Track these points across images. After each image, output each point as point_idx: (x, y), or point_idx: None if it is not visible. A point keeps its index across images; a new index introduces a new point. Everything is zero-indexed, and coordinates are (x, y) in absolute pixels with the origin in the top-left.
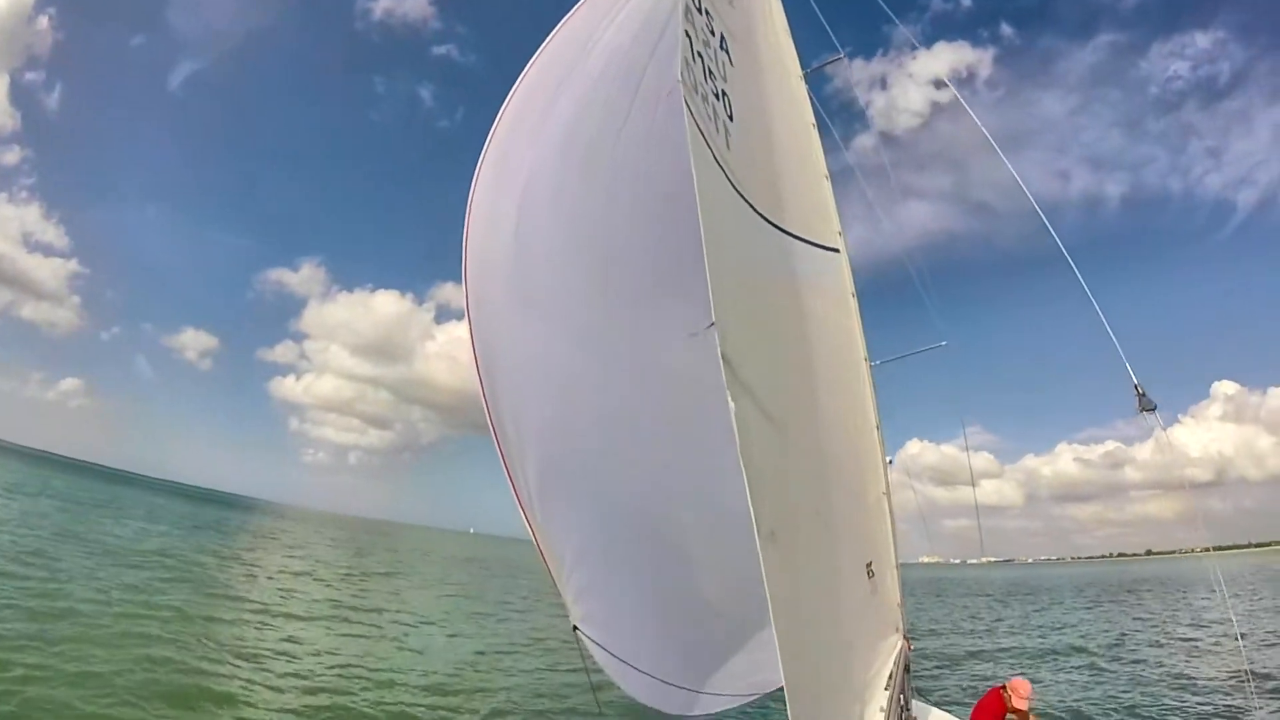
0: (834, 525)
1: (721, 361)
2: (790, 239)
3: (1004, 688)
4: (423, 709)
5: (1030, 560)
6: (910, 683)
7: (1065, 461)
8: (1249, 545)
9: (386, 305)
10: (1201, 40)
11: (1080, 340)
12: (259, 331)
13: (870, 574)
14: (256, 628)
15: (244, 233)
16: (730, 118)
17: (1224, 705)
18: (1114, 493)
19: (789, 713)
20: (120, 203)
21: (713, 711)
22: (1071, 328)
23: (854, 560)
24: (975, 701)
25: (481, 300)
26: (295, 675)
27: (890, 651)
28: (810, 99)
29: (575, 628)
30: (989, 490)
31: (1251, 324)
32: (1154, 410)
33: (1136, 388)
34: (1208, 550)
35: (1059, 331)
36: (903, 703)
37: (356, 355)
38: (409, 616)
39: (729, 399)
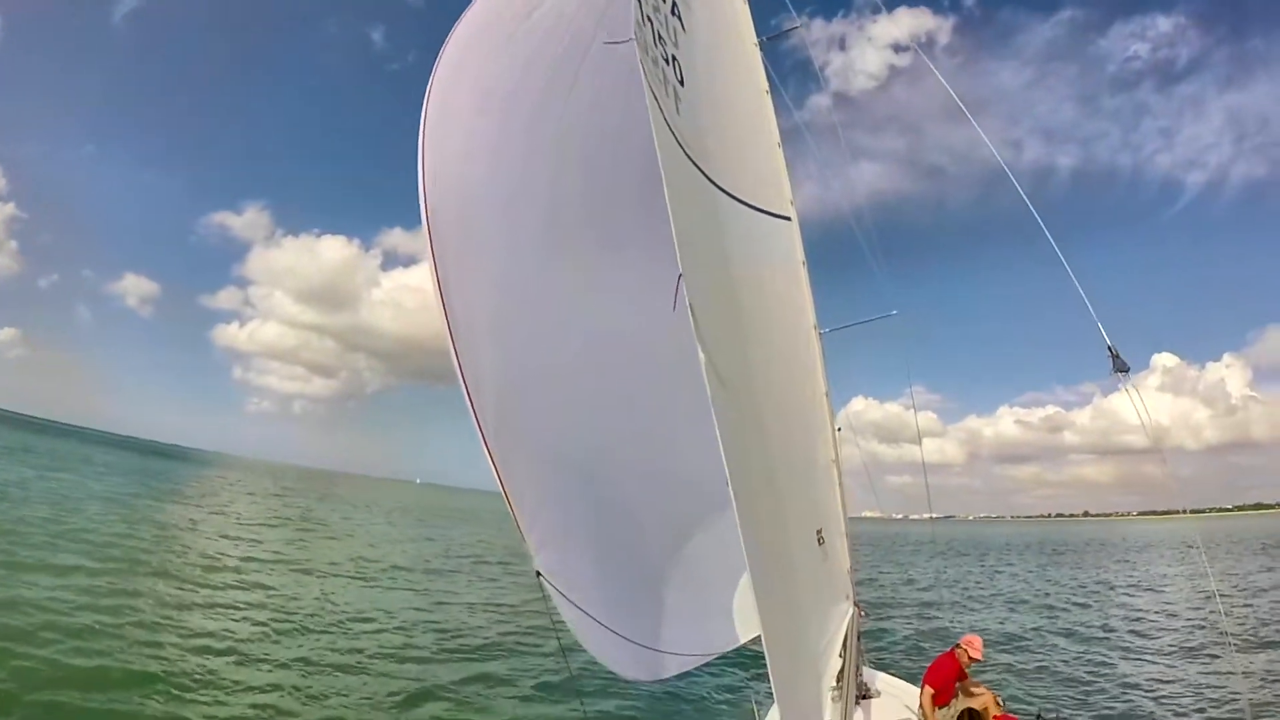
0: (784, 492)
1: (690, 311)
2: (741, 206)
3: (957, 647)
4: (390, 658)
5: (970, 518)
6: (863, 649)
7: (1006, 423)
8: (1184, 512)
9: (332, 251)
10: (1163, 24)
11: (1025, 307)
12: (201, 277)
13: (820, 541)
14: (203, 584)
15: (187, 175)
16: (681, 82)
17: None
18: (1053, 455)
19: (770, 672)
20: (59, 143)
21: (666, 676)
22: (1018, 294)
23: (804, 527)
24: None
25: (442, 247)
26: (232, 634)
27: (842, 619)
28: (765, 66)
29: (538, 573)
30: (932, 448)
31: (1193, 301)
32: (1127, 371)
33: (1110, 348)
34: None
35: (1005, 297)
36: (856, 670)
37: (301, 302)
38: (364, 568)
39: (699, 349)
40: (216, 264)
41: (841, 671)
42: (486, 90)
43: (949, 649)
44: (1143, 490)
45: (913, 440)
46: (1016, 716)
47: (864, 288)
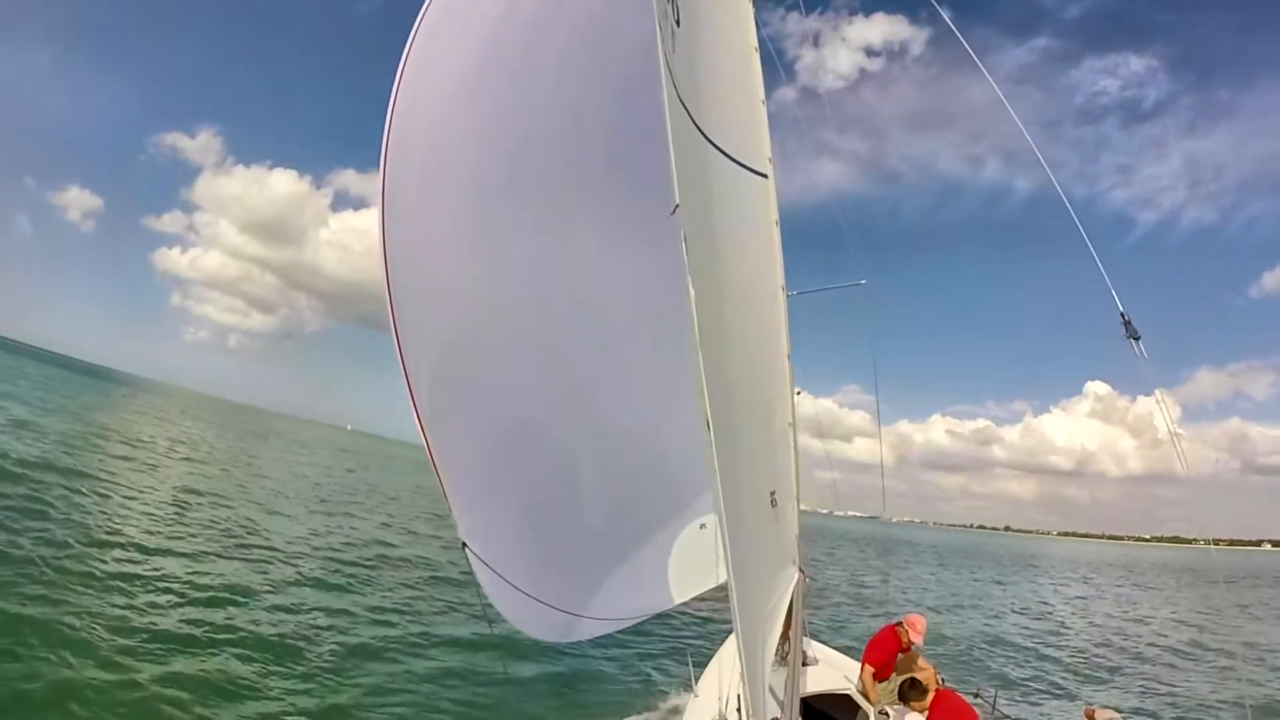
0: (743, 450)
1: (683, 244)
2: (722, 156)
3: (900, 624)
4: (305, 616)
5: (895, 520)
6: (805, 617)
7: (938, 431)
8: (1102, 535)
9: (283, 185)
10: (1135, 63)
11: (966, 321)
12: (148, 197)
13: (774, 503)
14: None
15: (144, 90)
16: (677, 23)
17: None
18: (980, 467)
19: (738, 628)
20: (16, 46)
21: (591, 636)
22: (960, 307)
23: (758, 486)
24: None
25: (395, 189)
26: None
27: (788, 584)
28: (755, 21)
29: (464, 545)
30: (862, 448)
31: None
32: (1139, 340)
33: (1122, 315)
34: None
35: (947, 309)
36: (799, 637)
37: (246, 233)
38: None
39: (689, 284)
40: (164, 186)
41: (784, 637)
42: (470, 33)
43: (889, 625)
44: (1063, 511)
45: (843, 438)
46: (956, 690)
47: (832, 267)
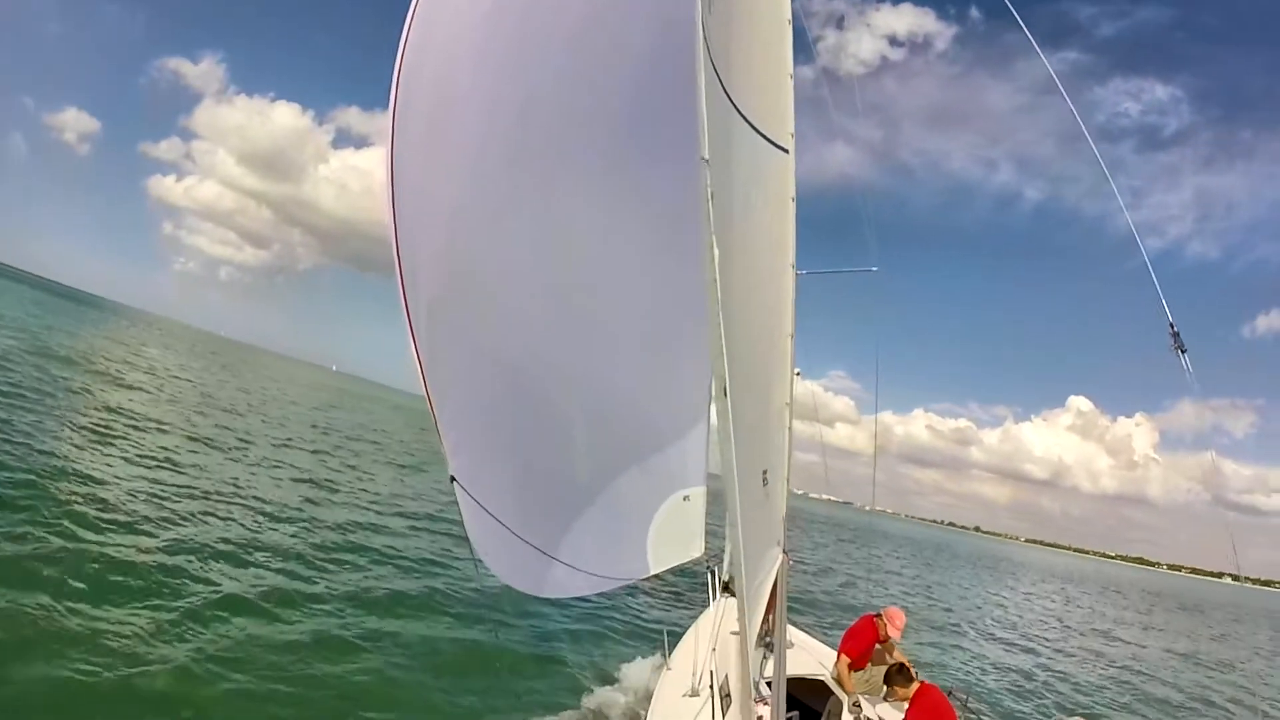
0: (739, 426)
1: (709, 196)
2: (747, 126)
3: (879, 615)
4: (299, 550)
5: (868, 509)
6: (786, 598)
7: (919, 426)
8: (1069, 548)
9: (285, 118)
10: (1160, 91)
11: (960, 321)
12: (146, 123)
13: (765, 482)
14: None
15: (147, 10)
16: None
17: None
18: (956, 466)
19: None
20: None
21: (566, 593)
22: (955, 307)
23: (752, 464)
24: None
25: (404, 123)
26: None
27: (773, 564)
28: None
29: (453, 478)
30: (843, 434)
31: (1124, 357)
32: (1185, 353)
33: (1171, 326)
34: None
35: (942, 307)
36: (783, 619)
37: (244, 165)
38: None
39: (712, 242)
40: (164, 111)
41: (767, 617)
42: None
43: (867, 615)
44: (1034, 519)
45: (825, 423)
46: (938, 687)
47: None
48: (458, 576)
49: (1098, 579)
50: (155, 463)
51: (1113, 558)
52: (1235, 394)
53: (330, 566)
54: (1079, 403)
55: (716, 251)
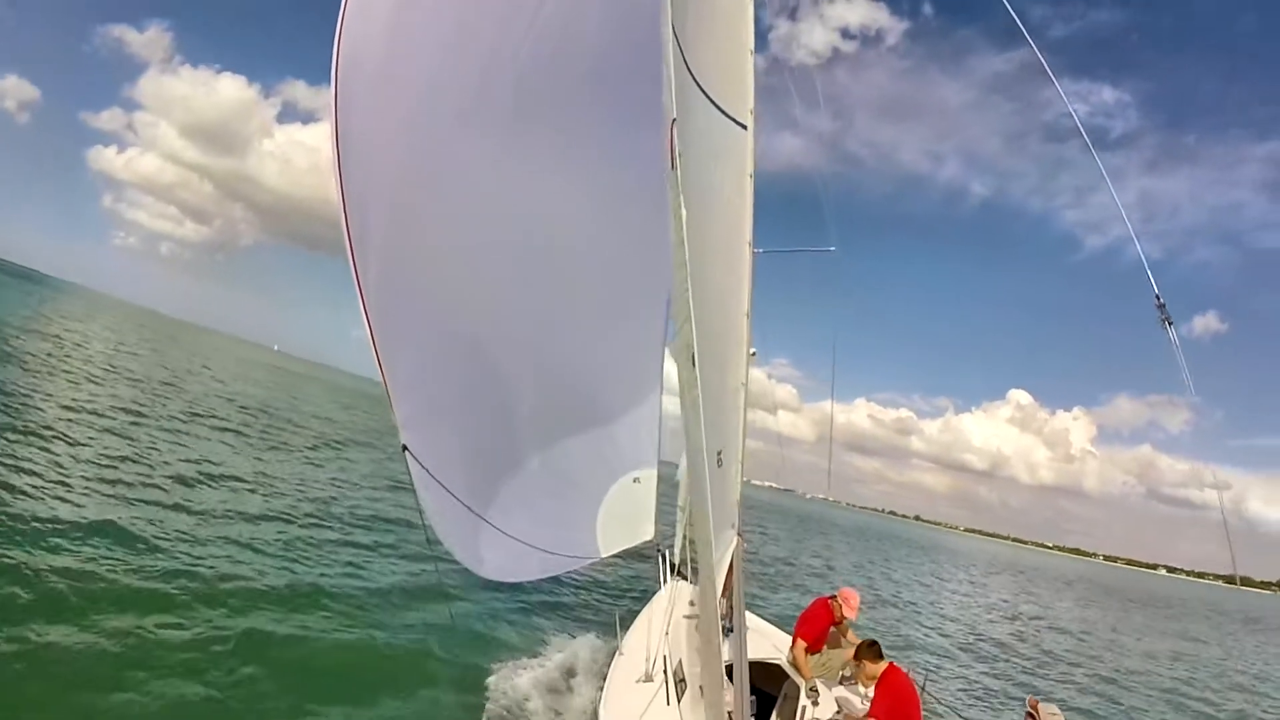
0: (697, 403)
1: (677, 156)
2: (707, 100)
3: (833, 598)
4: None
5: (809, 496)
6: (742, 582)
7: (860, 414)
8: (1007, 537)
9: (230, 90)
10: (1107, 94)
11: (905, 312)
12: (88, 92)
13: (720, 462)
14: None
15: None
16: None
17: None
18: (897, 455)
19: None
20: None
21: (524, 577)
22: (899, 298)
23: (707, 444)
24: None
25: (349, 94)
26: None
27: (728, 546)
28: None
29: (404, 448)
30: (786, 421)
31: (1064, 351)
32: (1173, 325)
33: (1157, 298)
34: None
35: (885, 296)
36: (739, 602)
37: (187, 138)
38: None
39: (680, 201)
40: (106, 81)
41: (724, 600)
42: None
43: (821, 598)
44: (973, 508)
45: (767, 410)
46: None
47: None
48: (404, 555)
49: (1041, 570)
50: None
51: (1050, 548)
52: (1172, 390)
53: (240, 551)
54: (1019, 396)
55: (685, 213)
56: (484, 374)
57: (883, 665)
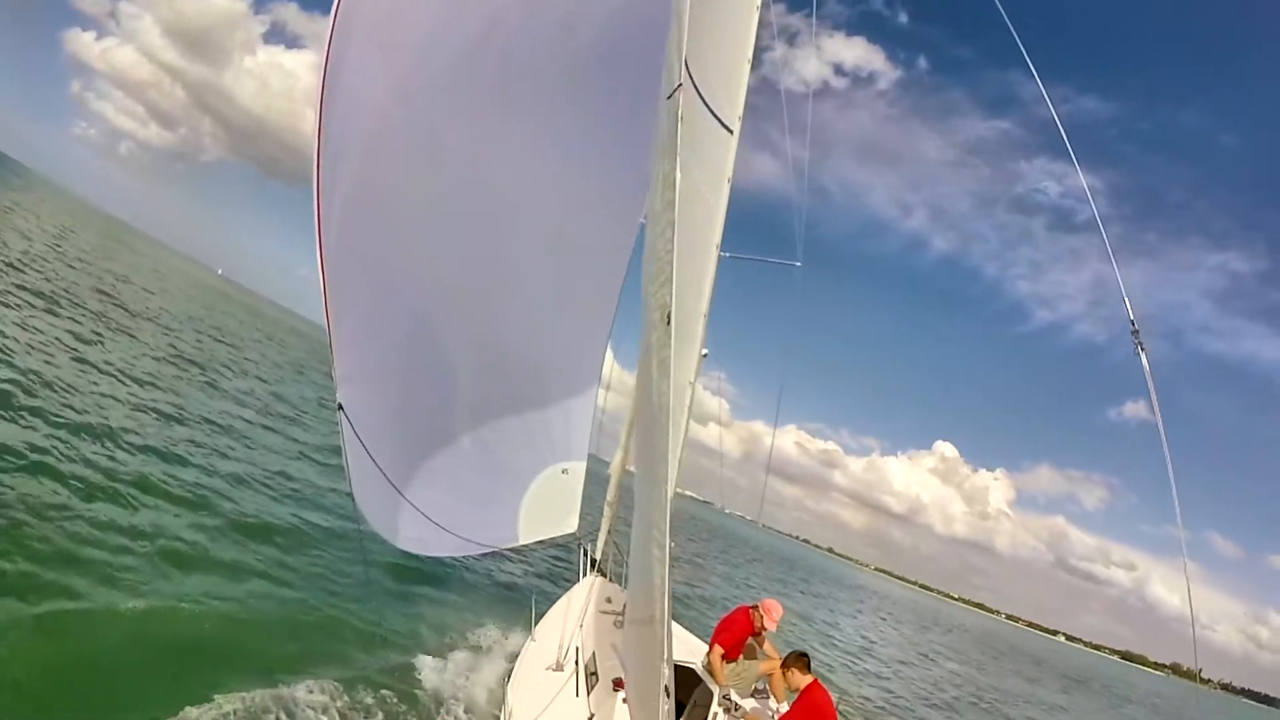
0: (646, 398)
1: (679, 119)
2: (698, 98)
3: (755, 607)
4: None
5: (728, 511)
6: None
7: (788, 440)
8: (916, 583)
9: None
10: (1082, 179)
11: (843, 346)
12: None
13: None
14: None
15: None
16: None
17: None
18: (819, 485)
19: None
20: None
21: (432, 554)
22: (844, 331)
23: (651, 441)
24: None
25: (345, 32)
26: None
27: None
28: None
29: (340, 406)
30: (713, 434)
31: (996, 412)
32: (1146, 351)
33: (1131, 323)
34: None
35: (834, 331)
36: (667, 602)
37: (168, 36)
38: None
39: (675, 170)
40: None
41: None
42: None
43: (743, 606)
44: (884, 549)
45: (698, 420)
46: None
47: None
48: (314, 523)
49: (946, 620)
50: None
51: (956, 599)
52: (1092, 468)
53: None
54: (944, 448)
55: (679, 174)
56: (428, 343)
57: (808, 679)
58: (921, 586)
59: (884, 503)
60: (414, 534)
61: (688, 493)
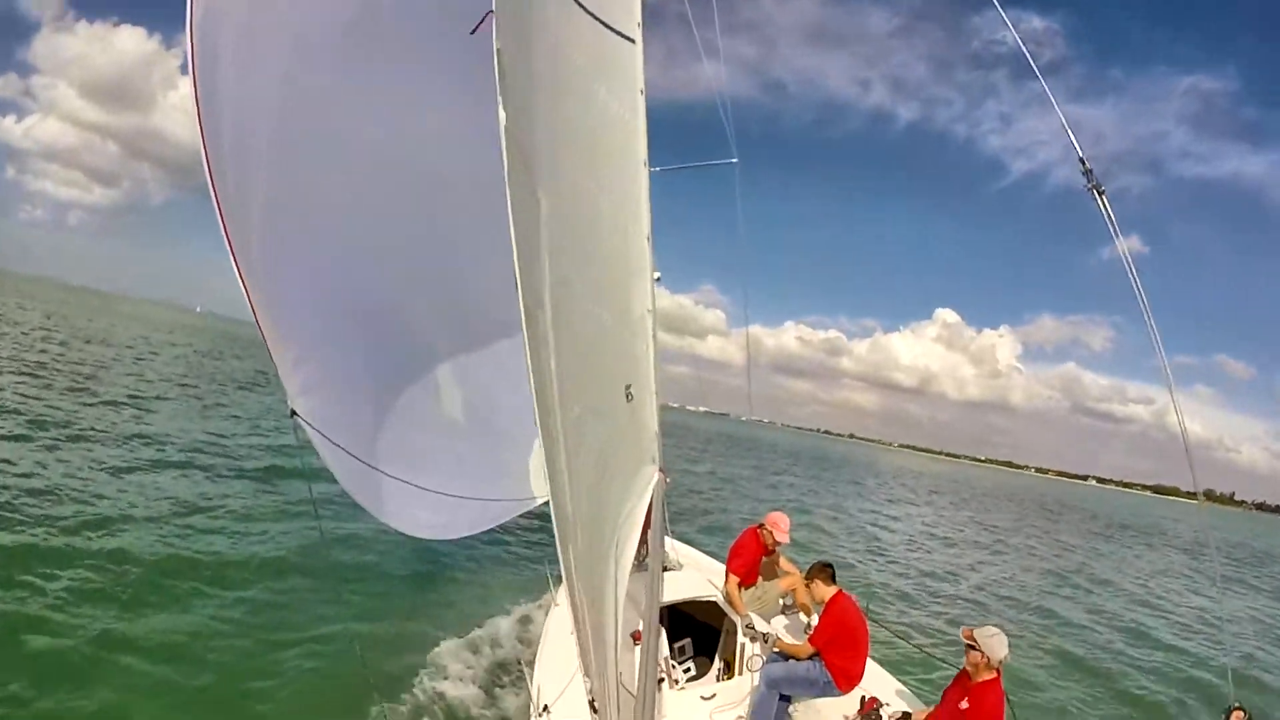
0: (594, 337)
1: (495, 53)
2: (583, 12)
3: (761, 526)
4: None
5: (744, 419)
6: (666, 517)
7: (789, 337)
8: (940, 452)
9: (130, 43)
10: (1036, 22)
11: (827, 235)
12: None
13: (629, 397)
14: None
15: None
16: None
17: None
18: (828, 376)
19: (556, 537)
20: None
21: (459, 533)
22: (823, 219)
23: (614, 379)
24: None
25: (206, 39)
26: None
27: (647, 483)
28: None
29: (293, 413)
30: (714, 347)
31: (989, 272)
32: (1103, 193)
33: (1082, 162)
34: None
35: (810, 222)
36: (659, 541)
37: (87, 97)
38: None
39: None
40: None
41: (644, 540)
42: None
43: (750, 528)
44: (903, 425)
45: (696, 335)
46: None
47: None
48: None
49: (977, 484)
50: None
51: (982, 461)
52: (1093, 310)
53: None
54: (945, 315)
55: (504, 114)
56: (388, 326)
57: (832, 590)
58: (948, 455)
59: (894, 379)
60: (427, 517)
61: (702, 409)
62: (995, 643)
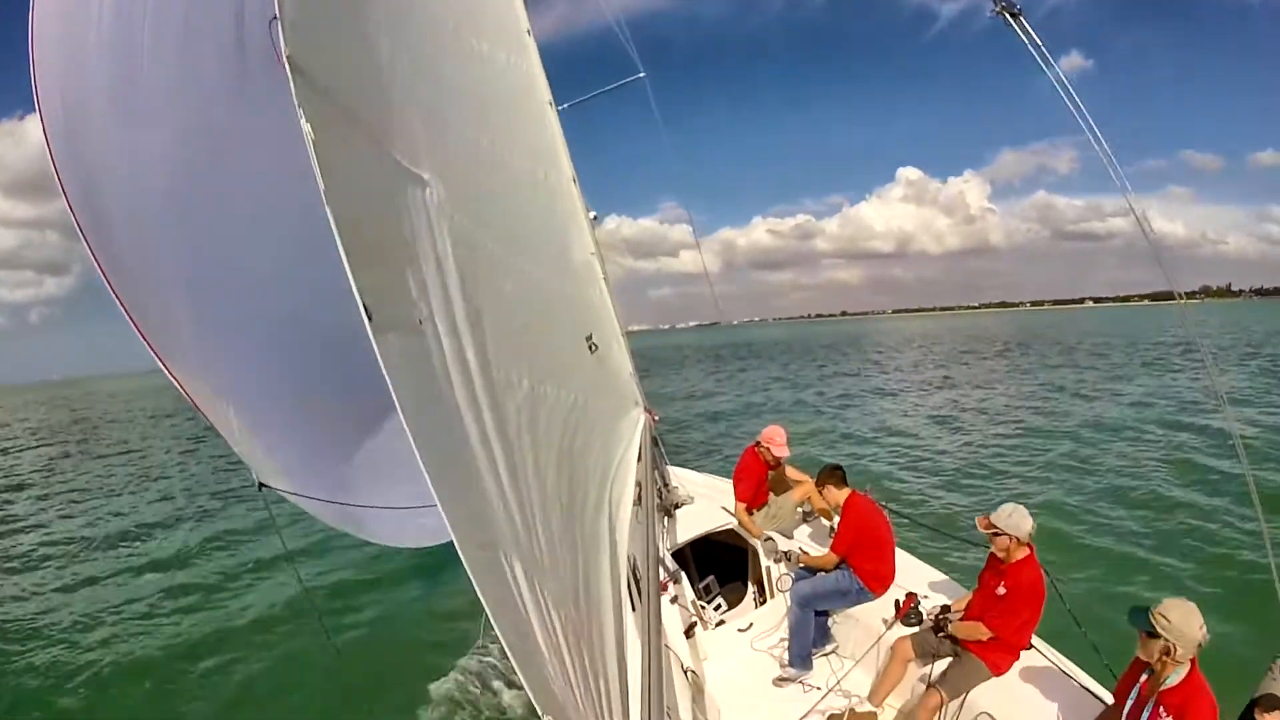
0: (535, 295)
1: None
2: None
3: (758, 444)
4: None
5: (735, 323)
6: (662, 453)
7: (759, 233)
8: (934, 309)
9: (39, 131)
10: None
11: (771, 125)
12: None
13: (593, 347)
14: None
15: None
16: None
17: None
18: (806, 261)
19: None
20: None
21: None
22: (763, 111)
23: (570, 334)
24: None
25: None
26: None
27: (634, 426)
28: None
29: (261, 486)
30: (688, 260)
31: (940, 121)
32: (1018, 15)
33: None
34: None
35: (750, 115)
36: (659, 477)
37: (15, 196)
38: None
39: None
40: None
41: (645, 479)
42: None
43: (748, 447)
44: (892, 291)
45: (669, 254)
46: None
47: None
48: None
49: (980, 332)
50: None
51: (977, 308)
52: (1053, 135)
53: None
54: (907, 173)
55: (307, 126)
56: (319, 372)
57: (845, 493)
58: (943, 309)
59: (872, 248)
60: (432, 523)
61: (691, 323)
62: (1017, 519)
